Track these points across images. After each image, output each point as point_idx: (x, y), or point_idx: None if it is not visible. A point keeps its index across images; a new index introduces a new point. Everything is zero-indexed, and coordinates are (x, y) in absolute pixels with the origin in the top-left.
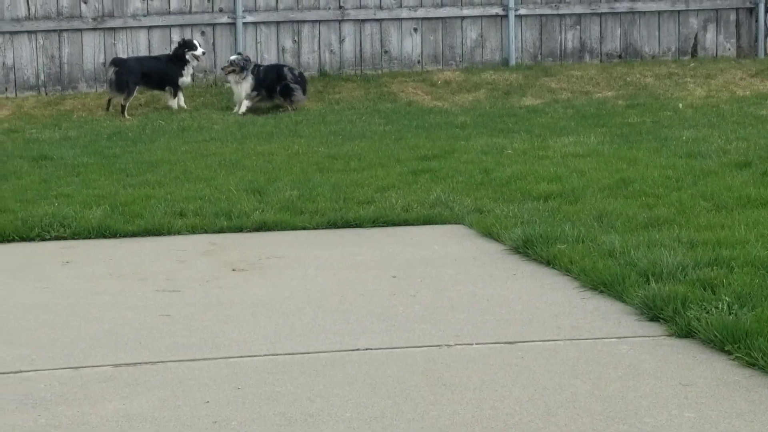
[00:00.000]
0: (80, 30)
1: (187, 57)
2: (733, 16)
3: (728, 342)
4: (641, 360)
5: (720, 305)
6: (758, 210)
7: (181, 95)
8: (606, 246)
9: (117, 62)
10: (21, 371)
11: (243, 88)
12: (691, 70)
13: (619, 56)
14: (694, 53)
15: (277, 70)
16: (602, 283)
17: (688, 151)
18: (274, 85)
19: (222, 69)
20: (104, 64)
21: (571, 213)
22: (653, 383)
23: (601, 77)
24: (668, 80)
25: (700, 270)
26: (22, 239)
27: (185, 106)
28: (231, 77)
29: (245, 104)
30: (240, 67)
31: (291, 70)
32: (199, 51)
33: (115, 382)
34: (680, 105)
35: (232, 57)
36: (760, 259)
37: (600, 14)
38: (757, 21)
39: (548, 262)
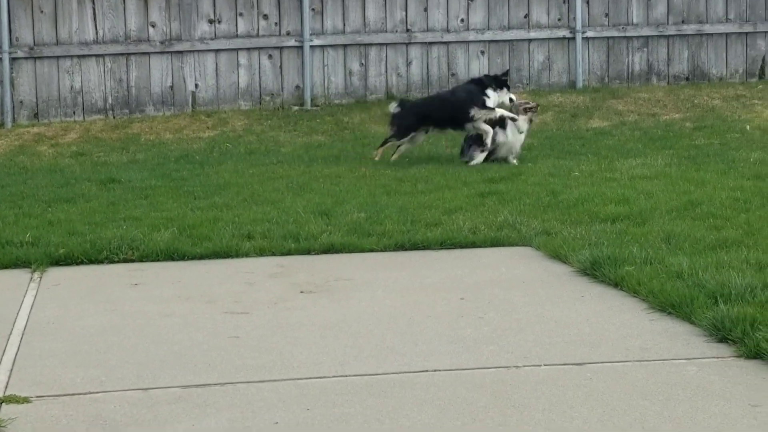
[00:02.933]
0: (148, 53)
1: None
2: None
3: None
4: (710, 381)
5: None
6: None
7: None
8: (674, 268)
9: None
10: (91, 392)
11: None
12: (759, 92)
13: (687, 78)
14: (761, 75)
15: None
16: (670, 305)
17: (756, 173)
18: None
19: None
20: (171, 87)
21: (639, 235)
22: (722, 404)
23: (668, 99)
24: (736, 102)
25: None
26: (91, 262)
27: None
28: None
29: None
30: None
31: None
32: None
33: (185, 404)
34: (748, 127)
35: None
36: None
37: (667, 36)
38: None
39: (616, 284)
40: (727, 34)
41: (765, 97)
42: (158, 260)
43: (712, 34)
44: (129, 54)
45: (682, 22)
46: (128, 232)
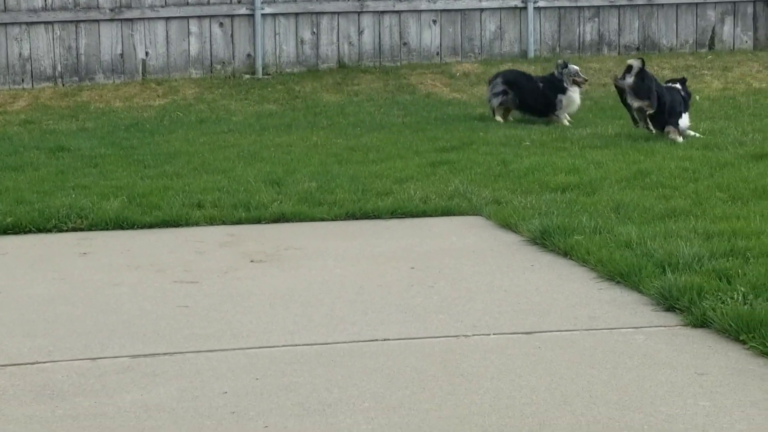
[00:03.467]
0: (97, 21)
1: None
2: (750, 9)
3: (743, 332)
4: (657, 350)
5: (735, 295)
6: None
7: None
8: (623, 237)
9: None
10: (38, 362)
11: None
12: (709, 62)
13: (637, 48)
14: (711, 46)
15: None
16: (619, 274)
17: (705, 143)
18: None
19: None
20: (121, 55)
21: (589, 204)
22: (669, 372)
23: (619, 69)
24: (686, 72)
25: (716, 260)
26: (39, 230)
27: None
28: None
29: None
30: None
31: None
32: None
33: (133, 373)
34: (697, 97)
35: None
36: None
37: (618, 6)
38: None
39: (565, 253)
40: (677, 5)
41: (714, 67)
42: (107, 229)
43: (662, 5)
44: (78, 21)
45: None
46: (77, 201)
